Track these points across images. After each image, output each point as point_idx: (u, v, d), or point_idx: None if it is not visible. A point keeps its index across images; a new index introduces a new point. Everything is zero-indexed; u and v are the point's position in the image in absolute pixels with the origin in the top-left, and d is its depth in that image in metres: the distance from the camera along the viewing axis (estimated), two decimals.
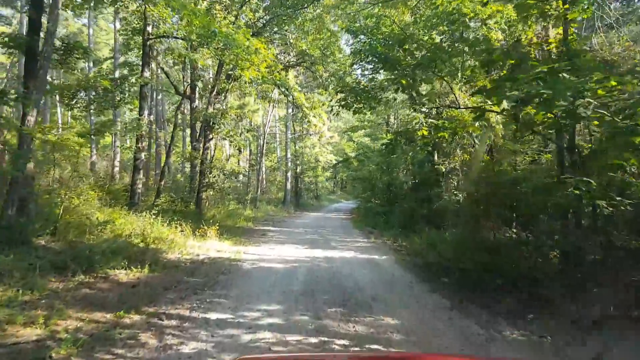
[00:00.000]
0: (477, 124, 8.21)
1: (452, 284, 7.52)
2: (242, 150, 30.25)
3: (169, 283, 6.82)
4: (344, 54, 23.16)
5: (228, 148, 29.42)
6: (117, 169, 22.63)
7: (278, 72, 15.81)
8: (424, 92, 12.32)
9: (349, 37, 22.82)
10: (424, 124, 8.64)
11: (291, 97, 18.33)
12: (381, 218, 18.24)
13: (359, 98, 12.50)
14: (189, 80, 17.11)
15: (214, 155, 21.63)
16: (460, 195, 10.55)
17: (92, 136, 11.64)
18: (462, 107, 8.27)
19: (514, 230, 7.72)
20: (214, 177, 16.38)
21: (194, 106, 17.35)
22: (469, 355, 4.47)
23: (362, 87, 11.93)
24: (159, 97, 24.06)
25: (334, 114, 14.52)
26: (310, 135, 35.42)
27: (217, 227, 12.13)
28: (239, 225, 16.79)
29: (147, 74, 13.24)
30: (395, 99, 18.10)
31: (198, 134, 17.02)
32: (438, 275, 8.27)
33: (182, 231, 11.60)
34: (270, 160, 36.00)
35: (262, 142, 26.54)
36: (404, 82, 10.64)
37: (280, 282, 7.24)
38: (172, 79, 20.09)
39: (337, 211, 32.46)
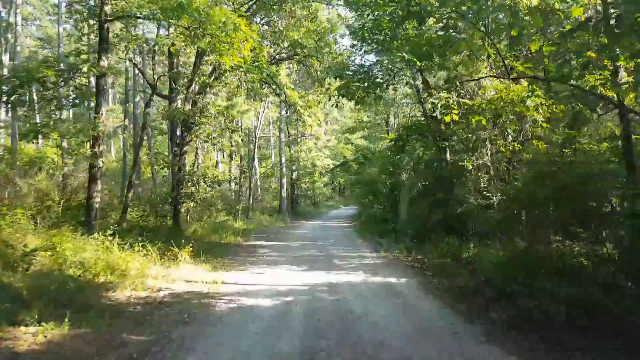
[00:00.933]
0: (529, 102, 5.93)
1: (510, 323, 5.26)
2: (233, 156, 27.97)
3: (93, 350, 4.47)
4: (341, 46, 21.09)
5: (218, 154, 27.14)
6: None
7: (265, 57, 13.60)
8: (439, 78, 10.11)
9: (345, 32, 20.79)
10: (455, 105, 6.37)
11: (283, 95, 16.06)
12: (389, 226, 15.91)
13: (362, 84, 10.26)
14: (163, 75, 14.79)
15: (196, 162, 19.36)
16: (494, 197, 8.27)
17: (31, 140, 9.27)
18: (514, 76, 6.01)
19: (605, 247, 5.42)
20: (194, 186, 14.03)
21: (175, 106, 15.03)
22: None
23: (366, 69, 9.66)
24: (137, 99, 21.72)
25: (332, 105, 12.30)
26: (306, 138, 33.22)
27: (192, 248, 9.73)
28: (226, 241, 14.45)
29: (104, 62, 10.93)
30: (395, 91, 15.77)
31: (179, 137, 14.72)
32: (481, 306, 6.01)
33: (146, 255, 9.28)
34: (264, 167, 33.66)
35: (253, 147, 24.28)
36: (416, 61, 8.42)
37: (265, 339, 4.90)
38: (149, 77, 17.85)
39: (337, 218, 30.13)
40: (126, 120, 22.11)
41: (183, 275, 8.36)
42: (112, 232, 9.35)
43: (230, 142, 24.94)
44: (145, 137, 18.74)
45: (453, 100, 6.32)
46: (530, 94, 5.78)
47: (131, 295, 6.83)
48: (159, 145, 29.26)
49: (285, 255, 11.69)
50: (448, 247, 10.45)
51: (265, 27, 19.61)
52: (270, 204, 30.02)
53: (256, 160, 29.41)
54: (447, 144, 11.85)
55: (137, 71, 19.95)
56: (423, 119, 15.97)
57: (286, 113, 28.36)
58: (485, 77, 7.58)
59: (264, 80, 15.81)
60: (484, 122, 6.62)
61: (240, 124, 25.17)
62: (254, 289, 7.41)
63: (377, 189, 21.00)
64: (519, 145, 7.65)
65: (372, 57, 15.42)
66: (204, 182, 14.41)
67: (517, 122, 7.75)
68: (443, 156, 13.17)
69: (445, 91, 6.69)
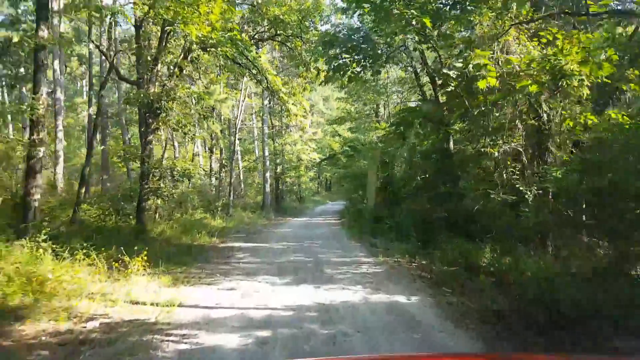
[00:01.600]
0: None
1: None
2: (214, 149, 25.95)
3: None
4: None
5: (197, 146, 25.06)
6: (59, 175, 18.18)
7: (238, 27, 11.74)
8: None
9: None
10: (492, 65, 4.57)
11: (265, 81, 14.16)
12: (384, 224, 14.13)
13: (356, 54, 8.44)
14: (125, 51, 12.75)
15: (170, 154, 17.40)
16: (530, 192, 6.52)
17: None
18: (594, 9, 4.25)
19: None
20: (160, 180, 12.09)
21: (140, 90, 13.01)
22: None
23: (363, 33, 7.83)
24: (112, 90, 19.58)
25: (320, 84, 10.49)
26: (290, 131, 31.38)
27: (148, 255, 7.80)
28: (199, 243, 12.55)
29: (44, 33, 8.92)
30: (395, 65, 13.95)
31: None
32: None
33: (92, 265, 7.39)
34: (247, 160, 31.62)
35: (233, 139, 22.30)
36: (427, 21, 6.63)
37: None
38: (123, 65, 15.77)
39: (324, 214, 28.36)
40: (90, 109, 19.95)
41: (132, 293, 6.45)
42: (46, 236, 7.43)
43: (210, 134, 22.94)
44: (118, 129, 16.71)
45: (492, 58, 4.56)
46: (608, 41, 4.02)
47: (47, 328, 4.93)
48: (137, 138, 27.10)
49: (266, 262, 9.86)
50: (457, 251, 8.77)
51: (244, 5, 17.74)
52: (254, 199, 28.09)
53: (238, 153, 27.47)
54: (455, 129, 10.11)
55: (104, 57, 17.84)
56: (419, 105, 14.29)
57: (269, 103, 26.45)
58: (554, 14, 5.74)
59: (242, 64, 13.93)
60: (534, 88, 4.85)
61: (219, 114, 23.12)
62: (219, 315, 5.55)
63: (368, 183, 19.29)
64: (592, 117, 5.81)
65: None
66: (173, 176, 12.43)
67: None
68: (446, 145, 11.48)
69: (477, 49, 4.91)
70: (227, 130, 25.55)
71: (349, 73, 8.90)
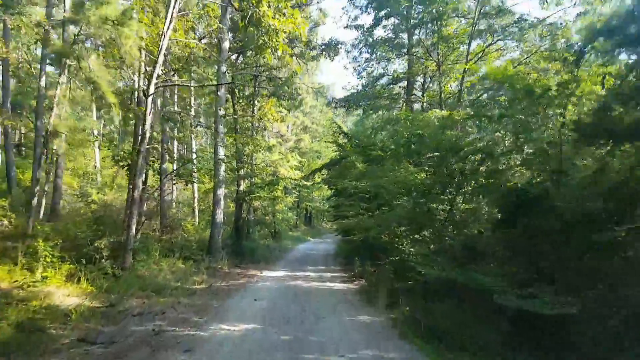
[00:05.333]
0: None
1: None
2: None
3: None
4: None
5: None
6: None
7: None
8: None
9: None
10: None
11: None
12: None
13: None
14: None
15: None
16: None
17: None
18: None
19: None
20: None
21: None
22: None
23: None
24: None
25: None
26: (266, 136, 20.82)
27: None
28: None
29: None
30: None
31: None
32: None
33: None
34: (170, 162, 20.64)
35: (145, 108, 11.62)
36: None
37: None
38: None
39: (312, 261, 17.50)
40: None
41: None
42: None
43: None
44: None
45: None
46: None
47: None
48: None
49: None
50: None
51: None
52: (196, 234, 16.82)
53: (174, 146, 16.59)
54: None
55: None
56: None
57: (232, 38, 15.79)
58: None
59: None
60: None
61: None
62: None
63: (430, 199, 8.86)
64: None
65: None
66: None
67: None
68: None
69: None
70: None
71: None
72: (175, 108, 17.00)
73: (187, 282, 10.45)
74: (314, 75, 29.67)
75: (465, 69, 14.18)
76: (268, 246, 21.08)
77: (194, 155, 17.62)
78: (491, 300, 5.62)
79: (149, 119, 10.07)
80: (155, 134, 14.08)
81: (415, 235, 9.60)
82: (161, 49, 9.88)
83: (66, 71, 10.44)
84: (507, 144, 8.58)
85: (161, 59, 10.01)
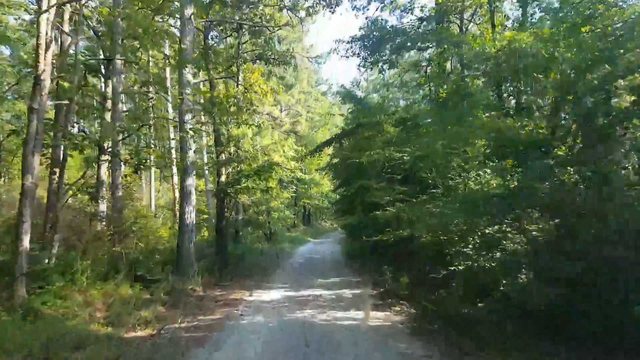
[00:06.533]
0: None
1: None
2: None
3: None
4: None
5: None
6: None
7: None
8: None
9: None
10: None
11: None
12: None
13: None
14: None
15: None
16: None
17: None
18: None
19: None
20: None
21: None
22: None
23: None
24: None
25: None
26: (255, 109, 16.62)
27: None
28: None
29: None
30: None
31: None
32: None
33: None
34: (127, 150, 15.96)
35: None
36: None
37: None
38: None
39: (323, 271, 13.29)
40: None
41: None
42: None
43: None
44: None
45: None
46: None
47: None
48: None
49: None
50: None
51: None
52: (171, 242, 12.61)
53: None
54: None
55: None
56: None
57: None
58: None
59: None
60: None
61: None
62: None
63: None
64: None
65: None
66: None
67: None
68: None
69: None
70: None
71: None
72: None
73: (127, 322, 6.35)
74: (310, 50, 25.38)
75: None
76: (262, 251, 17.05)
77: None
78: None
79: (43, 56, 5.91)
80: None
81: (512, 232, 5.53)
82: None
83: None
84: None
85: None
